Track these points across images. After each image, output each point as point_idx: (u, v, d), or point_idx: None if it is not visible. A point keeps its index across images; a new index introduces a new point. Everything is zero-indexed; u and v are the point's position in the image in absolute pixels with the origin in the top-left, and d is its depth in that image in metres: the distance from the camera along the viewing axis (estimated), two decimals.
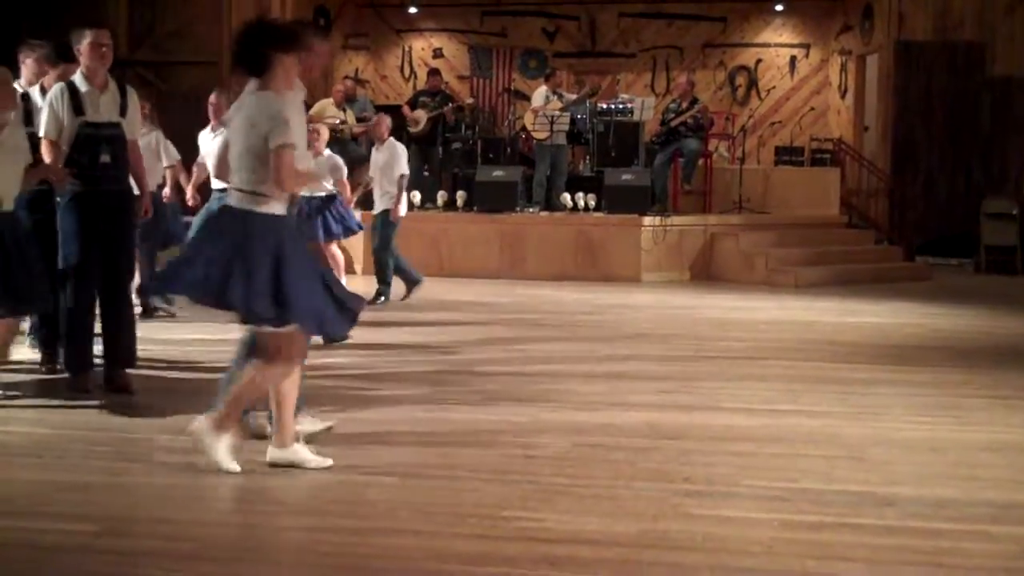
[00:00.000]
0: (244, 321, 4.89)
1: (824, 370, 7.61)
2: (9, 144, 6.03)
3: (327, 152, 10.67)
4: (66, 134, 6.40)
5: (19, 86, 6.87)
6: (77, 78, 6.46)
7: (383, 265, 10.95)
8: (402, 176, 10.86)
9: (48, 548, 4.06)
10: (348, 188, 10.86)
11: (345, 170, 11.16)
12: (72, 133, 6.40)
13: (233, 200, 4.86)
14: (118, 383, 6.52)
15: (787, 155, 16.71)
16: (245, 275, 4.69)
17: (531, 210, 14.02)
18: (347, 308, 5.03)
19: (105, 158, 6.43)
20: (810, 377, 7.33)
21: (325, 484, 4.82)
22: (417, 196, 14.10)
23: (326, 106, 15.27)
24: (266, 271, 4.71)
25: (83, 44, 6.43)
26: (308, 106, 15.53)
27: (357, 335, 8.94)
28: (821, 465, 5.19)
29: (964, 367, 7.82)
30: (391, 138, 11.11)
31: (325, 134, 10.84)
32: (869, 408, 6.41)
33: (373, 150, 11.18)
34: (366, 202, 11.82)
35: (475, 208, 13.97)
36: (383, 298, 10.91)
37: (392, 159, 10.88)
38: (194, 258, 4.84)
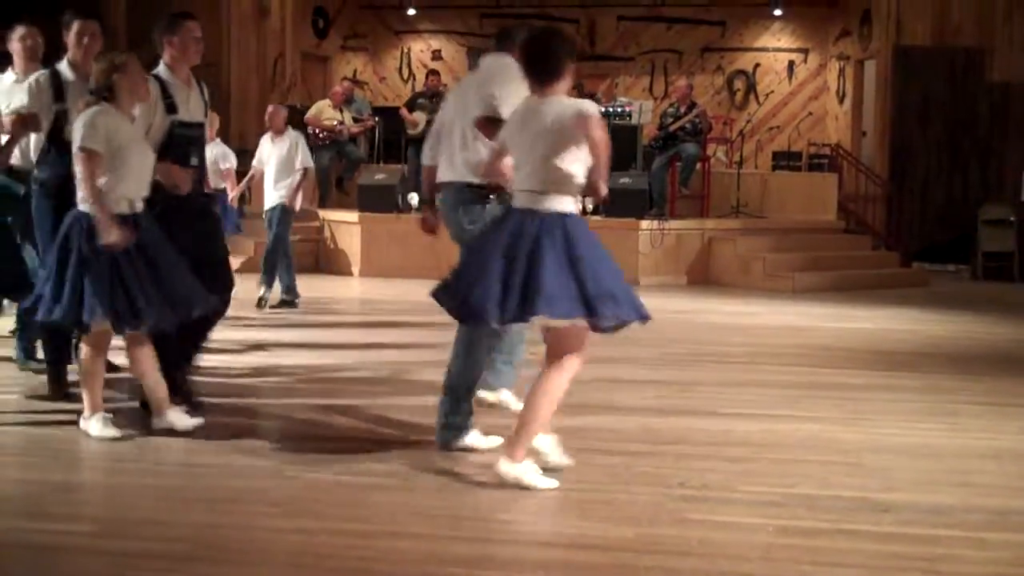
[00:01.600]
0: (596, 328, 4.74)
1: (820, 375, 7.62)
2: (141, 139, 5.58)
3: (216, 139, 10.58)
4: (156, 134, 5.83)
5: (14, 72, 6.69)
6: (162, 72, 5.90)
7: (273, 265, 10.31)
8: (305, 169, 10.34)
9: (45, 548, 4.07)
10: (234, 181, 10.76)
11: (234, 161, 11.03)
12: (162, 133, 5.84)
13: (528, 202, 4.73)
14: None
15: (785, 160, 16.75)
16: (582, 277, 4.63)
17: None
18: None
19: (194, 160, 5.97)
20: (806, 383, 7.34)
21: (324, 487, 4.83)
22: (415, 198, 14.11)
23: (323, 107, 15.30)
24: (603, 267, 4.73)
25: (175, 36, 5.90)
26: (305, 109, 15.58)
27: (353, 337, 8.98)
28: (817, 471, 5.21)
29: (960, 373, 7.84)
30: (290, 129, 10.59)
31: (215, 123, 10.63)
32: (865, 414, 6.42)
33: (266, 142, 10.51)
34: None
35: None
36: (266, 301, 10.30)
37: (293, 151, 10.31)
38: (543, 271, 4.59)
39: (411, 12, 18.93)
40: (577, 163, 4.68)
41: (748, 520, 4.48)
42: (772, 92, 18.39)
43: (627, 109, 14.92)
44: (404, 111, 15.64)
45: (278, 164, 10.30)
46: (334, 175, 15.55)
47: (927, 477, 5.16)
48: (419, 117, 15.38)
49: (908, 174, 15.86)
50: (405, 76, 19.19)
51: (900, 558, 4.09)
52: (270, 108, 10.64)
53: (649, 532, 4.31)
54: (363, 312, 11.18)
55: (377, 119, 16.07)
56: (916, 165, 15.82)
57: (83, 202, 5.39)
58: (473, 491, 4.78)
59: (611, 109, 15.12)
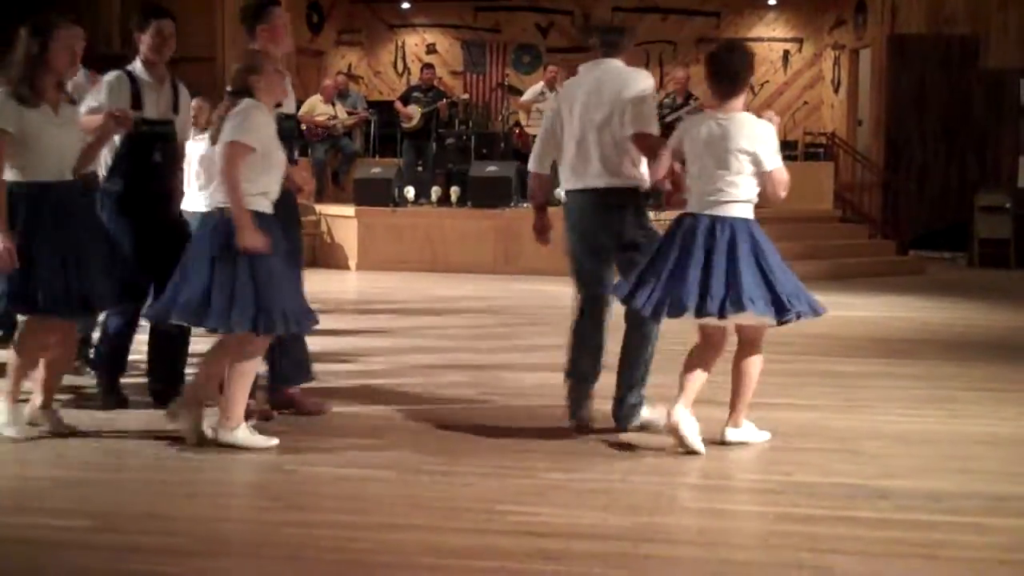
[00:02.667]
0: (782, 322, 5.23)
1: (817, 363, 7.63)
2: (276, 140, 5.38)
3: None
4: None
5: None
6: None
7: None
8: None
9: (43, 543, 4.06)
10: None
11: None
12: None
13: (717, 210, 5.21)
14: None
15: (780, 149, 16.68)
16: (772, 278, 5.16)
17: (525, 205, 14.01)
18: None
19: (297, 156, 5.78)
20: (803, 371, 7.34)
21: (323, 480, 4.83)
22: (411, 191, 14.11)
23: (315, 103, 15.26)
24: (783, 267, 5.28)
25: (266, 24, 5.74)
26: (299, 104, 15.57)
27: (349, 330, 8.98)
28: (815, 458, 5.21)
29: (957, 360, 7.85)
30: None
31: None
32: (862, 401, 6.43)
33: (192, 140, 8.47)
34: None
35: (469, 203, 13.96)
36: None
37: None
38: (742, 273, 5.10)
39: (405, 6, 18.90)
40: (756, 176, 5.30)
41: (747, 508, 4.49)
42: (767, 82, 18.37)
43: None
44: (399, 104, 15.62)
45: (199, 164, 8.69)
46: (330, 169, 15.55)
47: (925, 463, 5.17)
48: (413, 111, 15.36)
49: (904, 162, 15.86)
50: (400, 70, 19.16)
51: (899, 544, 4.09)
52: (194, 103, 8.30)
53: (648, 521, 4.31)
54: (360, 306, 11.17)
55: (372, 112, 16.06)
56: (912, 153, 15.82)
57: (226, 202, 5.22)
58: (470, 482, 4.79)
59: None
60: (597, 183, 5.62)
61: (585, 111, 5.64)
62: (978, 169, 15.67)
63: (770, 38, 18.52)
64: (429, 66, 16.53)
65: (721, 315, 5.10)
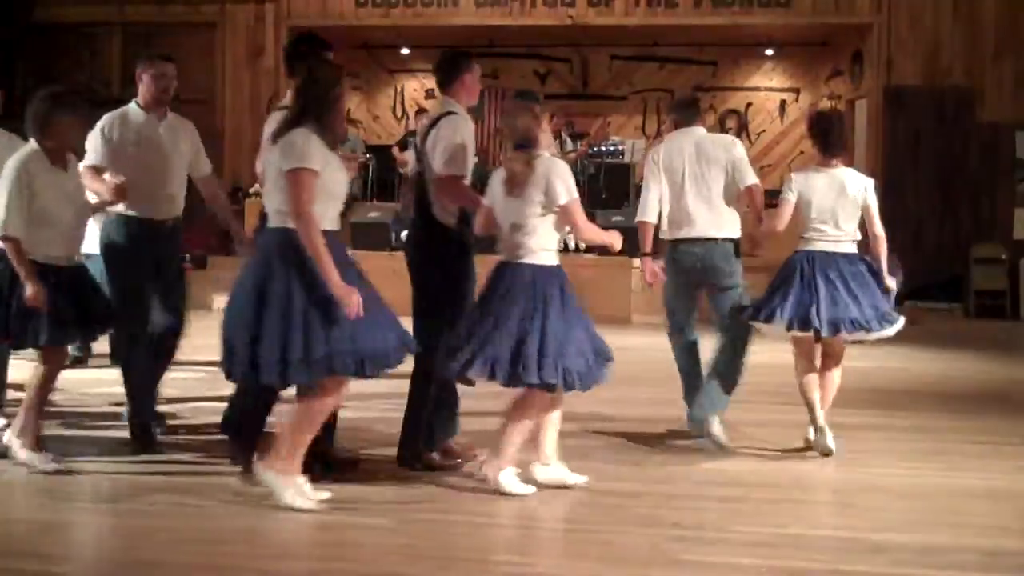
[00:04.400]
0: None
1: None
2: None
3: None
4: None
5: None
6: (460, 110, 5.88)
7: None
8: None
9: None
10: None
11: None
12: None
13: (834, 247, 6.40)
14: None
15: (777, 198, 16.77)
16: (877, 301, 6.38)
17: None
18: None
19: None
20: (798, 421, 7.29)
21: (315, 526, 4.80)
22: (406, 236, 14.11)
23: None
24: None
25: (468, 75, 5.97)
26: None
27: None
28: (809, 511, 5.20)
29: (952, 412, 7.83)
30: None
31: None
32: (857, 453, 6.41)
33: None
34: None
35: None
36: None
37: None
38: (866, 298, 6.37)
39: (405, 51, 19.00)
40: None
41: (741, 560, 4.46)
42: (764, 131, 18.47)
43: (620, 148, 14.97)
44: (396, 151, 15.66)
45: None
46: None
47: (919, 517, 5.15)
48: (409, 156, 15.38)
49: (900, 213, 15.88)
50: (399, 115, 19.24)
51: None
52: None
53: (643, 573, 4.29)
54: None
55: (370, 156, 16.11)
56: (907, 204, 15.86)
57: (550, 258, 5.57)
58: (465, 531, 4.77)
59: (604, 148, 15.17)
60: (725, 234, 6.58)
61: (702, 171, 6.56)
62: (973, 221, 15.72)
63: (767, 88, 18.63)
64: (424, 111, 16.61)
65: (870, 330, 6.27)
